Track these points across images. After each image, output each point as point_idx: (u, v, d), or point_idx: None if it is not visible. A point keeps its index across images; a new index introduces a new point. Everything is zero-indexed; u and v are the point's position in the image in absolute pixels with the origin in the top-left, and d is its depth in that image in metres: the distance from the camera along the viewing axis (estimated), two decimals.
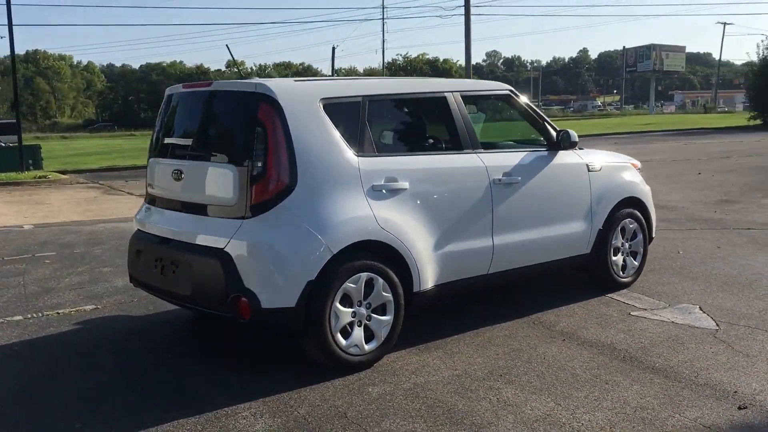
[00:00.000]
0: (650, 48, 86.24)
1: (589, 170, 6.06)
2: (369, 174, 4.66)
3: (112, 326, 5.73)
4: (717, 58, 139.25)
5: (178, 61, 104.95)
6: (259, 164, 4.35)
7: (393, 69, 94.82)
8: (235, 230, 4.37)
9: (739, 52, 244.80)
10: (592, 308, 5.82)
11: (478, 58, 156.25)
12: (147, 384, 4.50)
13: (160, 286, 4.89)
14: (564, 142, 5.79)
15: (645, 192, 6.57)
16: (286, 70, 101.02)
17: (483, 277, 5.34)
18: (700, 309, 5.72)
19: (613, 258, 6.24)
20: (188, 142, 4.93)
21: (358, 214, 4.56)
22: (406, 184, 4.79)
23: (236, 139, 4.60)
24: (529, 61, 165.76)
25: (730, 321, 5.39)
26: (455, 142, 5.27)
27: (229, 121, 4.72)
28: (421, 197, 4.86)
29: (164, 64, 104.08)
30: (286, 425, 3.85)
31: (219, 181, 4.56)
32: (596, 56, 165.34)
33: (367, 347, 4.61)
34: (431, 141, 5.36)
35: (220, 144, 4.75)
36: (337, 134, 4.60)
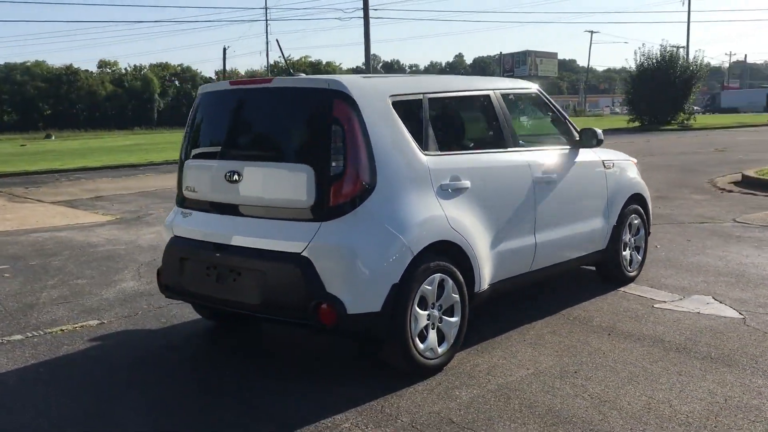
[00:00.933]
0: (526, 54, 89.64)
1: (605, 167, 6.22)
2: (437, 173, 4.57)
3: (137, 341, 5.34)
4: (581, 64, 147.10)
5: (41, 60, 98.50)
6: (337, 164, 4.16)
7: (276, 71, 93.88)
8: (313, 233, 4.16)
9: (602, 58, 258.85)
10: (615, 303, 5.96)
11: (357, 61, 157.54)
12: (230, 400, 4.20)
13: (214, 295, 4.59)
14: (588, 140, 5.91)
15: (645, 188, 6.82)
16: (163, 71, 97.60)
17: (526, 276, 5.37)
18: (715, 299, 5.98)
19: (623, 253, 6.43)
20: (246, 141, 4.66)
21: (433, 214, 4.47)
22: (468, 183, 4.74)
23: (310, 138, 4.39)
24: (408, 65, 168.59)
25: (748, 310, 5.66)
26: (500, 140, 5.27)
27: (299, 119, 4.48)
28: (480, 196, 4.83)
29: (28, 64, 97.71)
30: None
31: (289, 182, 4.32)
32: (471, 61, 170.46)
33: (439, 350, 4.52)
34: (482, 139, 5.33)
35: (288, 143, 4.52)
36: (407, 132, 4.49)
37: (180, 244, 4.83)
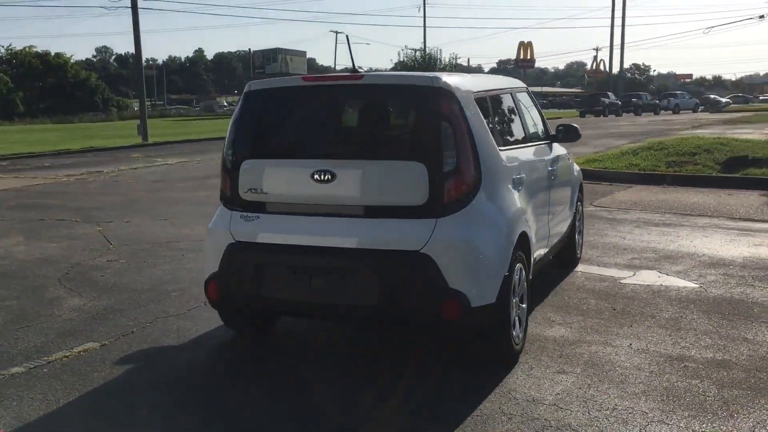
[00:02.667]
0: (276, 51, 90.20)
1: (569, 160, 6.83)
2: (509, 167, 4.80)
3: (161, 360, 4.90)
4: (321, 63, 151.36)
5: None
6: (450, 161, 4.22)
7: None
8: (431, 230, 4.18)
9: (345, 58, 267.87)
10: (588, 285, 6.52)
11: (87, 53, 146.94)
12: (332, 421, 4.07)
13: (309, 301, 4.40)
14: (567, 135, 6.42)
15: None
16: None
17: (544, 260, 5.76)
18: (660, 273, 6.85)
19: (576, 236, 7.10)
20: (338, 139, 4.48)
21: (518, 207, 4.70)
22: (524, 176, 5.02)
23: (418, 135, 4.36)
24: (145, 58, 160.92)
25: (695, 280, 6.58)
26: (526, 135, 5.61)
27: (403, 116, 4.42)
28: (529, 188, 5.13)
29: None
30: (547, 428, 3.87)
31: (400, 180, 4.27)
32: (212, 57, 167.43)
33: (520, 337, 4.76)
34: (516, 134, 5.61)
35: (393, 141, 4.44)
36: (489, 129, 4.65)
37: (252, 249, 4.52)
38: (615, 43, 67.31)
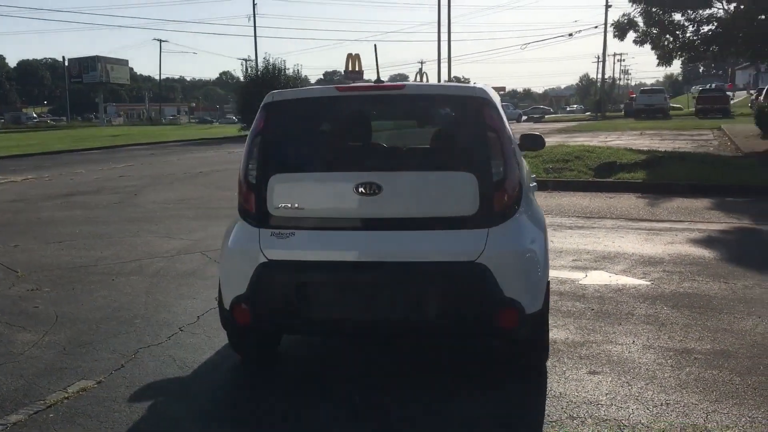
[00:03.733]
0: (95, 59, 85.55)
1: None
2: (526, 173, 4.90)
3: (186, 393, 4.52)
4: (142, 73, 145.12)
5: None
6: (497, 170, 4.23)
7: None
8: (484, 240, 4.18)
9: (169, 67, 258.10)
10: (554, 287, 6.68)
11: None
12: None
13: (360, 319, 4.23)
14: (532, 143, 6.57)
15: None
16: None
17: None
18: (608, 273, 7.27)
19: None
20: (381, 151, 4.33)
21: (542, 213, 4.81)
22: (534, 185, 5.15)
23: (465, 145, 4.32)
24: None
25: (644, 277, 7.05)
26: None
27: (448, 126, 4.35)
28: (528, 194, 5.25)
29: None
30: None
31: (450, 190, 4.22)
32: (15, 65, 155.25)
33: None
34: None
35: (439, 151, 4.35)
36: None
37: (291, 268, 4.28)
38: (442, 56, 70.14)
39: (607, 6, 66.03)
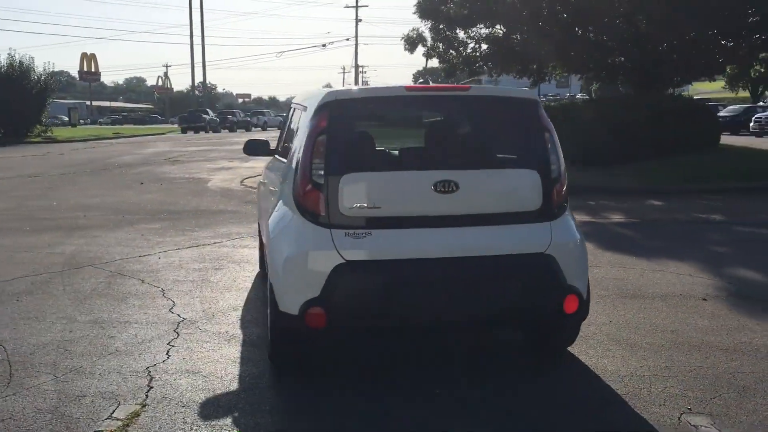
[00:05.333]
0: None
1: None
2: None
3: (253, 408, 4.33)
4: None
5: None
6: (555, 167, 4.61)
7: None
8: (549, 233, 4.54)
9: None
10: None
11: None
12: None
13: (445, 314, 4.37)
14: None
15: None
16: None
17: None
18: None
19: None
20: (454, 149, 4.47)
21: None
22: None
23: (526, 144, 4.60)
24: None
25: None
26: None
27: (511, 126, 4.59)
28: None
29: None
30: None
31: (518, 187, 4.51)
32: None
33: None
34: None
35: (505, 150, 4.58)
36: None
37: (372, 268, 4.28)
38: (196, 60, 68.45)
39: (357, 20, 69.12)
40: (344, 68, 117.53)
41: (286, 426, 4.03)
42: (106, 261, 8.19)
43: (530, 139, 4.64)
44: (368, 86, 4.86)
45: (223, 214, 11.74)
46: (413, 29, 23.49)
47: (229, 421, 4.06)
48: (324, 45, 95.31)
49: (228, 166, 21.33)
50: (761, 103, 43.68)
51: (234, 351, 5.19)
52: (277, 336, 4.62)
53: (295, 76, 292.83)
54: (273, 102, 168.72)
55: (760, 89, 54.66)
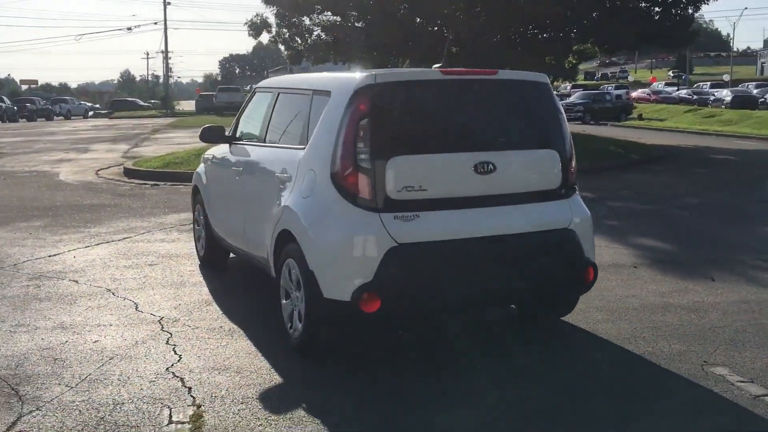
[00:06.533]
0: None
1: None
2: None
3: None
4: None
5: None
6: (569, 147, 4.92)
7: None
8: (569, 209, 4.85)
9: None
10: None
11: None
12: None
13: (494, 291, 4.58)
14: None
15: None
16: None
17: None
18: None
19: None
20: (489, 131, 4.61)
21: None
22: None
23: (545, 125, 4.82)
24: None
25: None
26: None
27: (533, 108, 4.77)
28: None
29: None
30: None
31: (543, 167, 4.76)
32: None
33: None
34: None
35: (529, 131, 4.77)
36: None
37: (426, 250, 4.34)
38: None
39: (166, 3, 66.26)
40: (148, 54, 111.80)
41: (377, 412, 4.01)
42: (13, 263, 7.45)
43: (548, 120, 4.89)
44: (402, 69, 4.88)
45: (105, 209, 10.98)
46: (257, 14, 22.96)
47: (301, 413, 3.97)
48: (130, 28, 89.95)
49: (67, 157, 19.82)
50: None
51: (245, 344, 5.03)
52: (315, 324, 4.54)
53: (94, 61, 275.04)
54: (64, 89, 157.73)
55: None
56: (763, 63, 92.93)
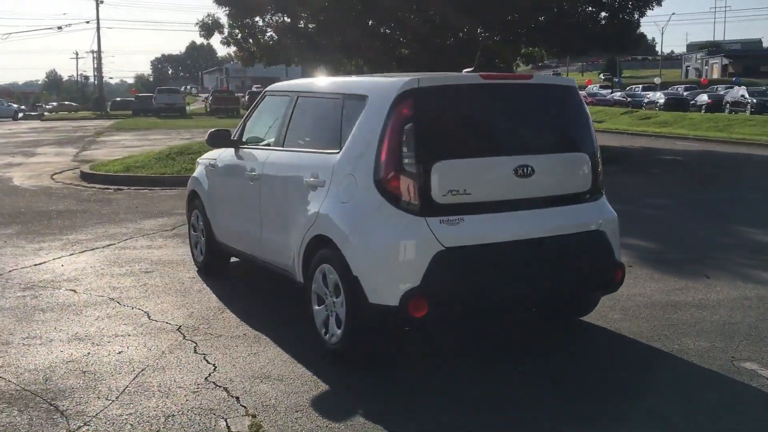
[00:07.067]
0: None
1: None
2: None
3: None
4: None
5: None
6: (596, 150, 5.02)
7: None
8: (599, 211, 4.97)
9: None
10: None
11: None
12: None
13: (539, 292, 4.65)
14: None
15: None
16: None
17: None
18: None
19: None
20: (526, 135, 4.67)
21: None
22: None
23: (575, 128, 4.91)
24: None
25: None
26: None
27: (563, 112, 4.84)
28: None
29: None
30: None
31: (576, 169, 4.85)
32: None
33: None
34: None
35: (562, 134, 4.85)
36: None
37: (472, 253, 4.37)
38: None
39: (99, 2, 64.55)
40: (77, 53, 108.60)
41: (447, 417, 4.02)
42: None
43: (578, 123, 4.99)
44: (442, 74, 4.87)
45: (75, 215, 10.64)
46: (209, 15, 22.59)
47: (360, 419, 3.95)
48: (60, 27, 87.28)
49: (15, 161, 19.14)
50: None
51: (276, 351, 4.96)
52: (358, 329, 4.52)
53: (18, 61, 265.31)
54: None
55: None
56: (687, 66, 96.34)
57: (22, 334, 5.36)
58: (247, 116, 6.49)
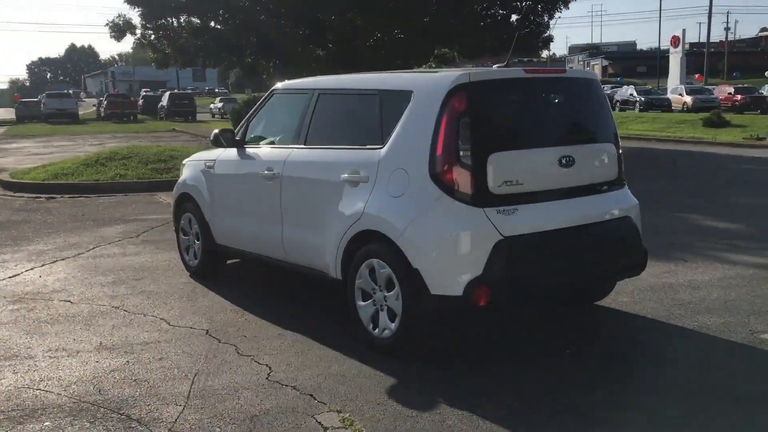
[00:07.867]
0: None
1: None
2: None
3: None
4: None
5: None
6: (619, 141, 5.31)
7: None
8: (626, 198, 5.26)
9: None
10: None
11: None
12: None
13: (588, 275, 4.92)
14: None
15: None
16: None
17: None
18: None
19: None
20: (566, 126, 4.91)
21: None
22: None
23: (602, 119, 5.18)
24: None
25: None
26: None
27: (592, 103, 5.08)
28: None
29: None
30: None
31: (606, 159, 5.12)
32: None
33: None
34: None
35: (594, 125, 5.09)
36: None
37: (529, 241, 4.53)
38: None
39: None
40: None
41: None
42: None
43: (603, 115, 5.25)
44: (490, 68, 5.04)
45: (20, 225, 10.09)
46: (119, 15, 21.73)
47: (446, 408, 4.03)
48: None
49: None
50: None
51: (322, 349, 4.95)
52: (417, 322, 4.59)
53: None
54: None
55: None
56: (570, 67, 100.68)
57: (41, 347, 5.11)
58: (250, 116, 6.39)
